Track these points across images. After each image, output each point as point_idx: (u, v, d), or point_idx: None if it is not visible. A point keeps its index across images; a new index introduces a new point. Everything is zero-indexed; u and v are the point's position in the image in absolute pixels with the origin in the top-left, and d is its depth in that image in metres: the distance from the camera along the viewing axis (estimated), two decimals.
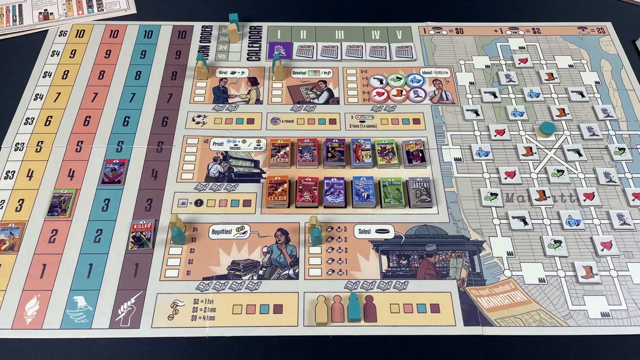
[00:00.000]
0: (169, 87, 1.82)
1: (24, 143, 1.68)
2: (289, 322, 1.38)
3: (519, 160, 1.67)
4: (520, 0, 2.14)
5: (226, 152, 1.67)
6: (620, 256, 1.49)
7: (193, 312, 1.39)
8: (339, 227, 1.53)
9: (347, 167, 1.64)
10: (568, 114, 1.77)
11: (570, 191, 1.61)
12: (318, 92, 1.82)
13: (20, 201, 1.57)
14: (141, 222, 1.52)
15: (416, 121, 1.75)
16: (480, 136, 1.72)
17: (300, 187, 1.58)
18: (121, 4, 2.08)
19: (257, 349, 1.35)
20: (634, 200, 1.59)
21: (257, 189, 1.60)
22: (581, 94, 1.82)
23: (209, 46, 1.96)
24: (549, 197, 1.59)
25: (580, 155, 1.67)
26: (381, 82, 1.84)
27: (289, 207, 1.57)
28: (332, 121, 1.74)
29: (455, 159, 1.66)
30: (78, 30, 2.00)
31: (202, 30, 2.01)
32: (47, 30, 2.00)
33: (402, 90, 1.81)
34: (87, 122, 1.73)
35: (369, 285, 1.44)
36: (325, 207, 1.57)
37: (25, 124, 1.72)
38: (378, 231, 1.53)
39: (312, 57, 1.92)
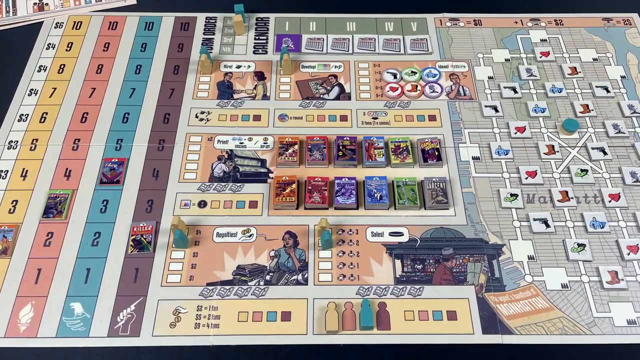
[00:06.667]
0: (170, 82, 1.83)
1: (17, 141, 1.68)
2: (297, 330, 1.38)
3: (541, 159, 1.66)
4: None
5: (231, 150, 1.67)
6: None
7: (196, 319, 1.39)
8: (350, 230, 1.53)
9: (359, 166, 1.64)
10: (592, 110, 1.76)
11: (595, 192, 1.60)
12: (328, 87, 1.82)
13: (14, 202, 1.57)
14: (141, 225, 1.53)
15: (432, 118, 1.75)
16: (500, 134, 1.72)
17: (310, 187, 1.58)
18: None
19: (264, 358, 1.35)
20: None
21: (263, 189, 1.60)
22: (606, 89, 1.81)
23: (213, 39, 1.96)
24: (572, 198, 1.58)
25: (605, 153, 1.67)
26: (395, 77, 1.84)
27: (297, 208, 1.57)
28: (343, 118, 1.74)
29: (473, 158, 1.66)
30: (75, 22, 2.00)
31: (205, 21, 2.01)
32: (42, 21, 2.00)
33: (417, 85, 1.81)
34: (84, 119, 1.74)
35: (382, 291, 1.43)
36: (335, 208, 1.57)
37: (19, 120, 1.73)
38: (392, 234, 1.52)
39: (322, 50, 1.92)
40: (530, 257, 1.49)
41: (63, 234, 1.51)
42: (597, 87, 1.82)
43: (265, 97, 1.79)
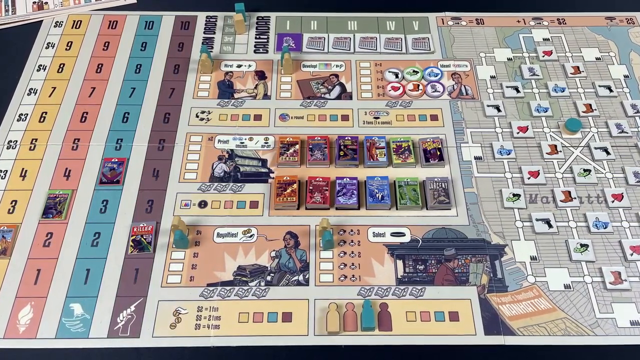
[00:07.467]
0: (171, 82, 1.83)
1: (17, 141, 1.68)
2: (298, 331, 1.37)
3: (543, 159, 1.66)
4: None
5: (232, 150, 1.67)
6: None
7: (197, 320, 1.39)
8: (351, 230, 1.53)
9: (361, 166, 1.64)
10: (595, 109, 1.76)
11: (598, 192, 1.60)
12: (329, 87, 1.81)
13: (13, 202, 1.57)
14: (141, 225, 1.53)
15: (434, 117, 1.75)
16: (502, 133, 1.71)
17: (311, 187, 1.57)
18: None
19: (264, 359, 1.35)
20: None
21: (264, 189, 1.60)
22: (609, 88, 1.81)
23: (213, 38, 1.96)
24: (575, 198, 1.58)
25: (608, 153, 1.66)
26: (396, 76, 1.84)
27: (298, 208, 1.56)
28: (345, 117, 1.74)
29: (476, 158, 1.66)
30: (74, 21, 2.00)
31: (206, 20, 2.01)
32: (42, 20, 2.00)
33: (418, 85, 1.81)
34: (84, 118, 1.73)
35: (383, 291, 1.43)
36: (337, 208, 1.56)
37: (18, 120, 1.73)
38: (393, 234, 1.52)
39: (323, 50, 1.92)
40: (532, 258, 1.49)
41: (63, 234, 1.51)
42: (600, 86, 1.81)
43: (266, 96, 1.79)
